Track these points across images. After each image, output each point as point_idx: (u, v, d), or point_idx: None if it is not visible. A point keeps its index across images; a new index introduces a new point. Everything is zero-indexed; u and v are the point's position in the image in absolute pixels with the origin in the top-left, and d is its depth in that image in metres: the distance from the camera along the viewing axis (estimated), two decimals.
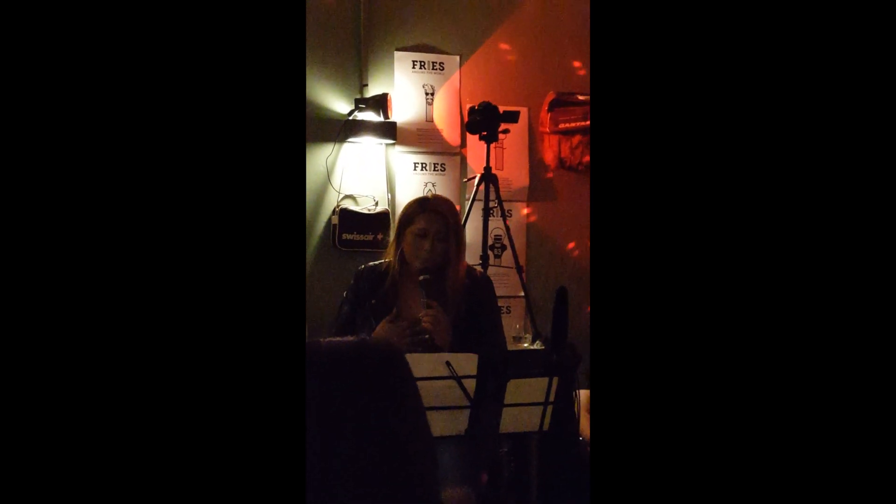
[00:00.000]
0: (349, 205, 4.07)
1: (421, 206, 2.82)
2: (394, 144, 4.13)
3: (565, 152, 4.35)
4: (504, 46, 4.35)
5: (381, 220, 4.07)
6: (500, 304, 3.13)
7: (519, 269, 3.98)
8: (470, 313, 2.81)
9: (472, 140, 4.10)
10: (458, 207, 3.26)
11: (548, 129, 4.35)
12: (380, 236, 4.05)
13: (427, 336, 2.69)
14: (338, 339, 1.02)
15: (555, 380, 2.56)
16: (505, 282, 4.10)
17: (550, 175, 4.41)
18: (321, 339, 1.05)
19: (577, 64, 4.43)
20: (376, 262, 2.95)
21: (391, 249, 2.88)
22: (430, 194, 3.24)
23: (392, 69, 4.17)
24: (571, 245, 4.44)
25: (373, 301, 2.80)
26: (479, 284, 2.89)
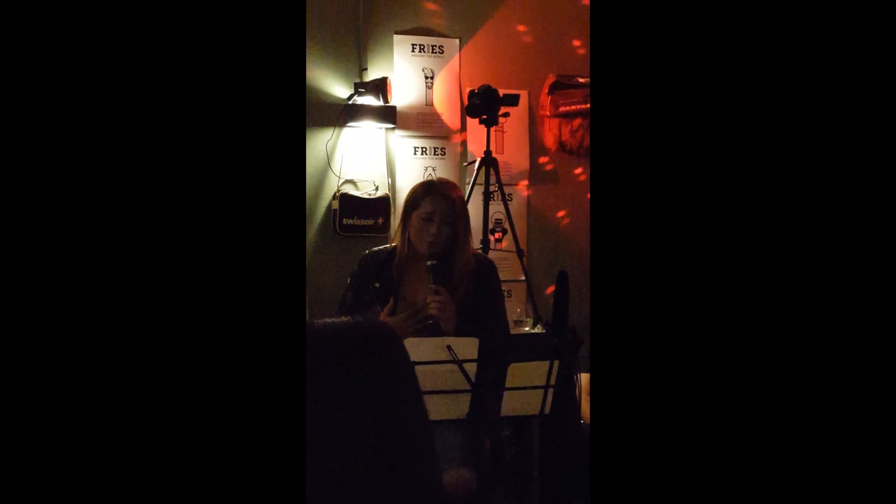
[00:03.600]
0: (349, 189, 4.06)
1: (427, 190, 2.81)
2: (394, 129, 4.13)
3: (566, 135, 4.34)
4: (504, 29, 4.33)
5: (381, 204, 4.07)
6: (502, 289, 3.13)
7: (520, 252, 3.98)
8: (474, 298, 2.82)
9: (473, 124, 4.09)
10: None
11: (548, 113, 4.34)
12: (380, 221, 4.05)
13: (431, 322, 2.69)
14: (331, 319, 1.01)
15: (555, 363, 2.57)
16: (506, 266, 4.09)
17: (551, 158, 4.41)
18: (315, 320, 1.04)
19: (577, 43, 4.41)
20: (381, 247, 2.94)
21: (397, 233, 2.88)
22: (435, 178, 3.19)
23: (391, 53, 4.15)
24: (572, 228, 4.44)
25: (376, 284, 2.80)
26: (484, 269, 2.89)
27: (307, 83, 3.95)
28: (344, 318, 1.01)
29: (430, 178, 4.14)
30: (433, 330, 2.69)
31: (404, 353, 1.01)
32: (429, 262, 2.74)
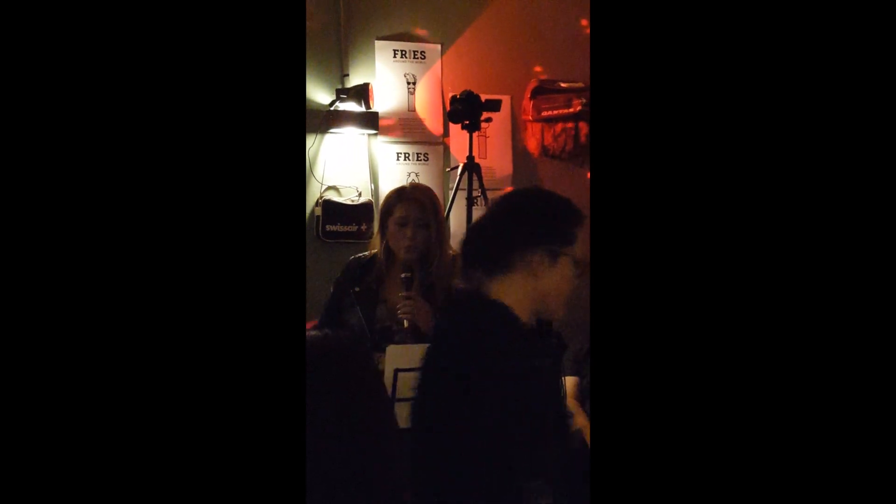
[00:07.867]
0: (332, 196, 4.05)
1: (399, 196, 2.93)
2: (376, 135, 4.12)
3: (548, 140, 4.34)
4: (486, 34, 4.33)
5: (364, 210, 4.06)
6: None
7: None
8: None
9: (455, 129, 4.09)
10: (439, 194, 3.29)
11: (530, 118, 4.34)
12: (363, 227, 4.05)
13: (406, 323, 2.71)
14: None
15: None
16: None
17: (533, 163, 4.41)
18: None
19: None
20: (363, 254, 3.05)
21: (377, 240, 2.98)
22: (408, 183, 3.30)
23: (373, 59, 4.15)
24: None
25: (356, 289, 2.89)
26: None
27: None
28: (314, 332, 1.02)
29: (412, 182, 4.14)
30: (415, 335, 2.70)
31: (369, 364, 1.02)
32: (403, 275, 2.80)
